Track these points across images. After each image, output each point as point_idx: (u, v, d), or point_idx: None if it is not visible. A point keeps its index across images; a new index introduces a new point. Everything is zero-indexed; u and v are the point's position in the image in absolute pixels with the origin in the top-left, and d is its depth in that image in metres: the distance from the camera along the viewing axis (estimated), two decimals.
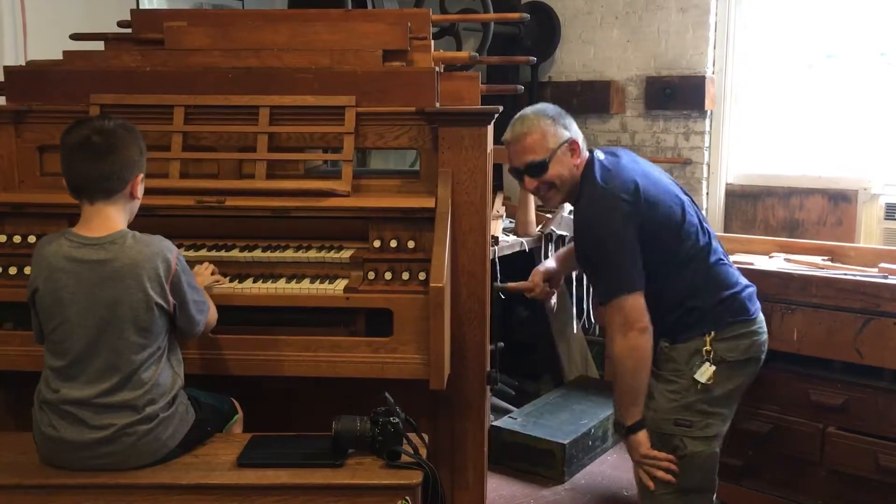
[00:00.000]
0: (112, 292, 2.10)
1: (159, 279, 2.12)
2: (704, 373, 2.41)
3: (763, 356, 2.55)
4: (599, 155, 2.51)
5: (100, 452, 2.12)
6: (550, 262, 2.89)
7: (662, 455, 2.42)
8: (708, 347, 2.42)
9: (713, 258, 2.50)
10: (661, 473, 2.42)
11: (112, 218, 2.16)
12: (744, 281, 2.56)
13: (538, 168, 2.46)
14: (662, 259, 2.42)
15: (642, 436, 2.45)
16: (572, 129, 2.50)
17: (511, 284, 2.94)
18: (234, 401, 2.50)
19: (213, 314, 2.34)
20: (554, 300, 2.92)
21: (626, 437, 2.48)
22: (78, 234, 2.15)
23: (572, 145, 2.47)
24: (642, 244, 2.38)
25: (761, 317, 2.55)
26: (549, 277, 2.83)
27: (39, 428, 2.16)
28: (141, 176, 2.22)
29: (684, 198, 2.53)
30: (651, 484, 2.44)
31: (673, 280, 2.43)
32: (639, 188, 2.41)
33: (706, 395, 2.42)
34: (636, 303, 2.37)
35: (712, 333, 2.43)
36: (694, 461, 2.42)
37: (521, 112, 2.55)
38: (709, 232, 2.54)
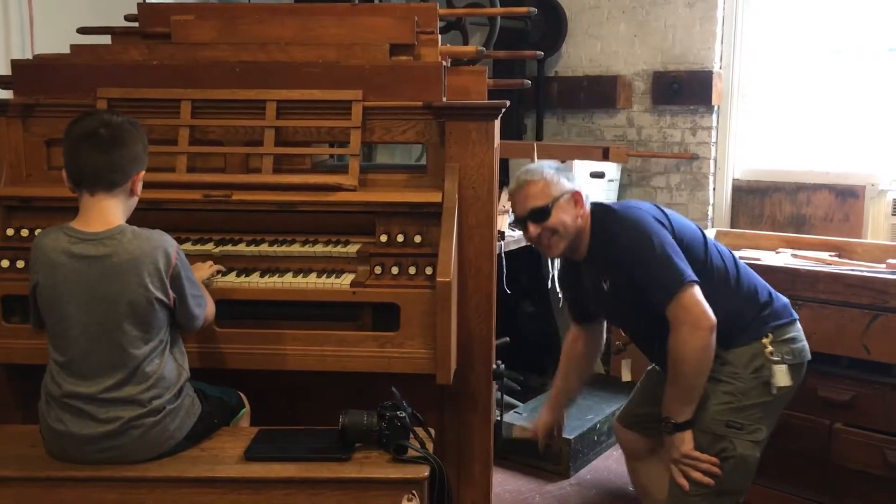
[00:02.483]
0: (112, 288, 2.10)
1: (159, 274, 2.12)
2: (781, 376, 2.42)
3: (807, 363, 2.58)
4: (601, 203, 2.60)
5: (107, 445, 2.13)
6: (545, 415, 2.91)
7: (704, 456, 2.41)
8: (770, 349, 2.43)
9: (740, 271, 2.55)
10: (697, 475, 2.41)
11: (111, 212, 2.16)
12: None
13: (541, 214, 2.48)
14: (699, 269, 2.42)
15: (688, 435, 2.43)
16: (574, 183, 2.54)
17: (518, 432, 3.15)
18: (242, 395, 2.50)
19: (210, 309, 2.34)
20: (557, 444, 3.06)
21: (671, 434, 2.45)
22: (76, 228, 2.14)
23: (575, 196, 2.51)
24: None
25: None
26: (553, 427, 2.91)
27: (46, 422, 2.17)
28: (142, 173, 2.22)
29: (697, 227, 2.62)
30: (685, 483, 2.43)
31: (715, 288, 2.43)
32: (661, 208, 2.50)
33: (770, 398, 2.43)
34: (697, 297, 2.34)
35: (770, 336, 2.45)
36: (740, 464, 2.42)
37: (524, 167, 2.62)
38: (730, 253, 2.62)
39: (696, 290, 2.35)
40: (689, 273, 2.36)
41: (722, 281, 2.50)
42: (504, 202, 3.82)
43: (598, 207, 2.59)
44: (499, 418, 3.61)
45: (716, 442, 2.42)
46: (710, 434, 2.43)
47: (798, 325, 2.56)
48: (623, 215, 2.50)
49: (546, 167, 2.56)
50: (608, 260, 2.50)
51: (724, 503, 2.47)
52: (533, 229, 2.50)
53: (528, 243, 2.66)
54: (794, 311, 2.58)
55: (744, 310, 2.48)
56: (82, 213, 2.17)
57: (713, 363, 2.41)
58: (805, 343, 2.55)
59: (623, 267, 2.45)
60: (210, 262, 2.48)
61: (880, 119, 3.99)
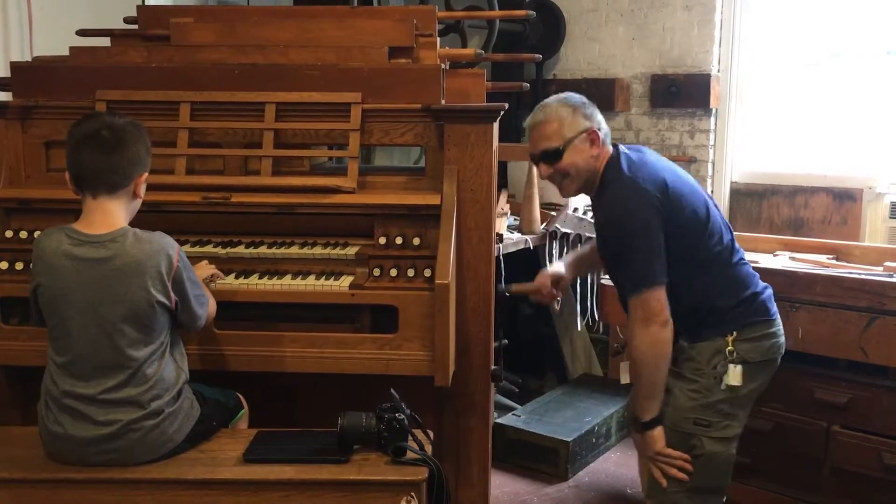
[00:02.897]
0: (113, 291, 2.10)
1: (161, 277, 2.12)
2: (733, 375, 2.40)
3: (780, 358, 2.54)
4: (624, 150, 2.49)
5: (106, 448, 2.13)
6: (559, 266, 2.86)
7: (677, 453, 2.41)
8: (731, 348, 2.41)
9: (735, 258, 2.50)
10: (674, 471, 2.41)
11: (113, 214, 2.16)
12: (762, 282, 2.56)
13: (552, 156, 2.43)
14: (685, 257, 2.40)
15: (658, 432, 2.43)
16: (594, 120, 2.45)
17: (516, 286, 2.92)
18: (240, 396, 2.50)
19: (212, 306, 2.34)
20: (558, 305, 2.90)
21: (641, 433, 2.46)
22: (78, 230, 2.14)
23: (591, 135, 2.43)
24: (667, 241, 2.37)
25: (779, 319, 2.54)
26: (557, 281, 2.81)
27: (45, 425, 2.17)
28: (145, 175, 2.22)
29: (707, 197, 2.53)
30: (664, 481, 2.43)
31: (695, 279, 2.42)
32: (667, 184, 2.39)
33: (728, 395, 2.41)
34: (659, 296, 2.34)
35: (734, 334, 2.42)
36: (711, 461, 2.41)
37: (546, 100, 2.52)
38: (731, 231, 2.55)
39: (659, 292, 2.34)
40: (658, 275, 2.34)
41: (710, 270, 2.44)
42: (502, 204, 3.83)
43: (615, 157, 2.46)
44: (497, 420, 3.62)
45: (685, 439, 2.42)
46: (679, 432, 2.42)
47: (774, 322, 2.50)
48: (627, 187, 2.39)
49: (565, 103, 2.45)
50: (601, 214, 2.50)
51: (705, 500, 2.46)
52: (544, 170, 2.46)
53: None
54: (773, 309, 2.51)
55: (720, 304, 2.44)
56: (85, 215, 2.17)
57: (679, 359, 2.42)
58: (777, 340, 2.50)
59: (608, 233, 2.46)
60: (206, 262, 2.48)
61: (878, 122, 3.99)
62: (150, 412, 2.13)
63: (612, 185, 2.42)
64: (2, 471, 2.14)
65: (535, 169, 2.63)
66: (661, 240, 2.36)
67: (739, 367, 2.40)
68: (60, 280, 2.11)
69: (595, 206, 2.57)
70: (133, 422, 2.12)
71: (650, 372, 2.39)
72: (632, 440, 2.89)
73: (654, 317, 2.34)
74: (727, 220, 2.60)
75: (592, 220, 2.82)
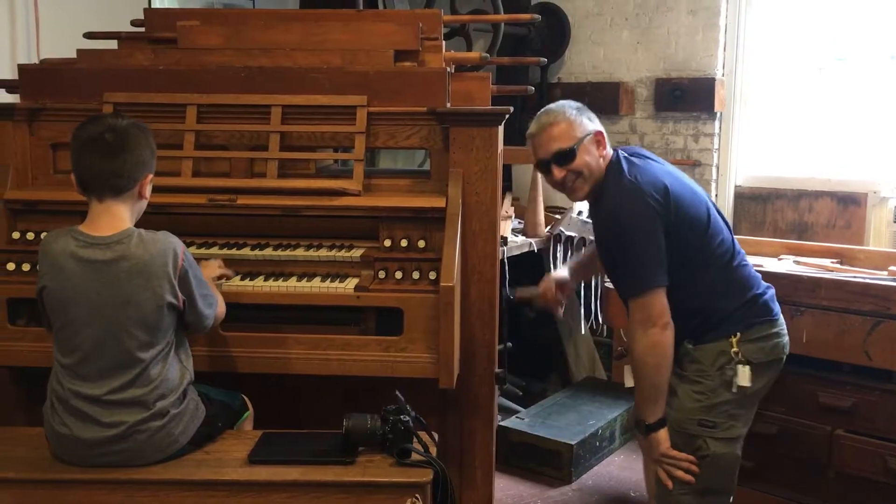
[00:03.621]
0: (120, 292, 2.10)
1: (168, 277, 2.13)
2: (742, 376, 2.40)
3: (784, 358, 2.54)
4: (624, 153, 2.50)
5: (112, 450, 2.13)
6: (563, 271, 2.87)
7: (682, 455, 2.41)
8: (735, 349, 2.41)
9: (736, 260, 2.50)
10: (680, 473, 2.41)
11: (119, 216, 2.17)
12: (764, 283, 2.56)
13: (566, 156, 2.42)
14: (687, 260, 2.40)
15: (662, 434, 2.43)
16: (596, 123, 2.48)
17: (520, 291, 2.92)
18: (245, 397, 2.51)
19: (221, 307, 2.34)
20: (561, 310, 2.91)
21: (645, 436, 2.46)
22: (84, 232, 2.15)
23: (598, 136, 2.45)
24: (668, 243, 2.37)
25: (782, 318, 2.54)
26: (561, 285, 2.82)
27: (51, 426, 2.17)
28: (150, 176, 2.22)
29: (708, 199, 2.53)
30: (669, 483, 2.43)
31: (697, 281, 2.42)
32: (668, 188, 2.39)
33: (734, 396, 2.41)
34: (659, 299, 2.34)
35: (738, 335, 2.42)
36: (716, 462, 2.41)
37: (545, 107, 2.53)
38: (732, 233, 2.55)
39: (659, 294, 2.34)
40: (658, 277, 2.34)
41: (712, 272, 2.44)
42: (507, 208, 3.83)
43: (616, 159, 2.47)
44: (501, 423, 3.62)
45: (690, 441, 2.42)
46: (684, 433, 2.42)
47: (777, 322, 2.50)
48: (627, 190, 2.39)
49: (568, 107, 2.47)
50: (600, 217, 2.48)
51: (713, 502, 2.46)
52: (557, 172, 2.44)
53: (550, 185, 2.55)
54: (776, 309, 2.52)
55: (724, 304, 2.44)
56: (91, 217, 2.18)
57: (682, 361, 2.42)
58: (781, 340, 2.50)
59: (608, 235, 2.44)
60: (220, 262, 2.49)
61: (882, 126, 3.99)
62: (155, 413, 2.14)
63: (613, 188, 2.43)
64: (8, 471, 2.15)
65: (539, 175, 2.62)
66: (662, 242, 2.36)
67: (747, 368, 2.41)
68: (67, 282, 2.12)
69: (593, 211, 2.57)
70: (139, 423, 2.12)
71: (651, 374, 2.39)
72: (636, 443, 2.89)
73: (655, 319, 2.34)
74: (729, 223, 2.60)
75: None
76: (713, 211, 2.49)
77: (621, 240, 2.39)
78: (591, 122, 2.46)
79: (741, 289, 2.47)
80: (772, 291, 2.55)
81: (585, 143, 2.42)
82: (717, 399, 2.41)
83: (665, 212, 2.37)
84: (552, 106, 2.52)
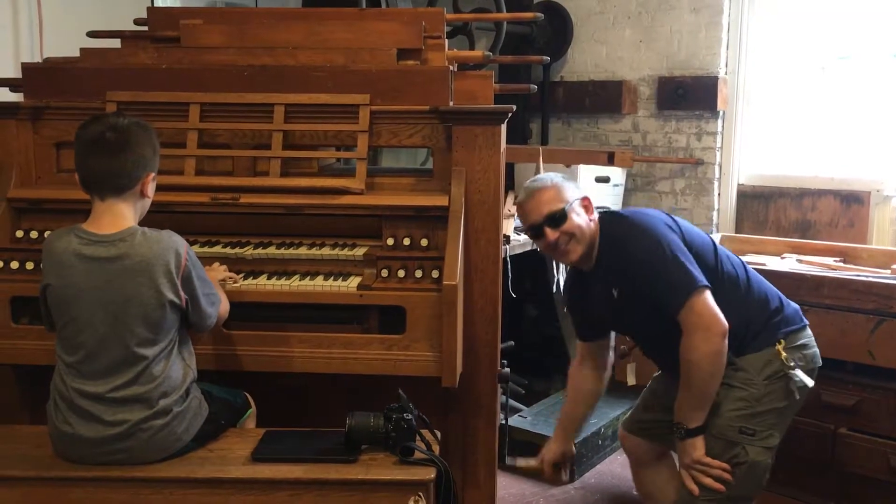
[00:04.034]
0: (123, 290, 2.11)
1: (170, 275, 2.13)
2: (803, 377, 2.44)
3: (818, 370, 2.57)
4: (611, 210, 2.59)
5: (115, 448, 2.13)
6: (556, 444, 2.84)
7: (716, 463, 2.41)
8: (785, 355, 2.44)
9: (751, 275, 2.56)
10: (708, 481, 2.41)
11: (122, 215, 2.17)
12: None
13: (558, 218, 2.47)
14: (710, 276, 2.42)
15: (699, 441, 2.43)
16: (582, 190, 2.59)
17: (521, 462, 2.97)
18: (248, 395, 2.51)
19: (224, 306, 2.35)
20: (566, 475, 2.93)
21: (682, 440, 2.45)
22: (88, 230, 2.15)
23: (585, 202, 2.54)
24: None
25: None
26: (560, 461, 2.84)
27: (55, 424, 2.18)
28: (152, 175, 2.22)
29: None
30: (696, 489, 2.43)
31: (726, 294, 2.43)
32: (670, 215, 2.50)
33: (776, 405, 2.43)
34: (709, 302, 2.34)
35: (783, 342, 2.45)
36: (752, 470, 2.42)
37: (531, 178, 2.65)
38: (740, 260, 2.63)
39: (708, 296, 2.35)
40: (701, 278, 2.36)
41: (733, 288, 2.50)
42: (509, 206, 3.83)
43: (606, 215, 2.59)
44: (503, 422, 3.62)
45: (728, 448, 2.42)
46: (723, 440, 2.43)
47: (808, 330, 2.56)
48: (634, 221, 2.50)
49: (553, 176, 2.59)
50: (619, 266, 2.48)
51: None
52: (551, 234, 2.49)
53: (542, 251, 2.62)
54: (804, 317, 2.58)
55: (755, 316, 2.48)
56: (94, 216, 2.18)
57: (726, 369, 2.41)
58: (816, 349, 2.55)
59: (634, 273, 2.44)
60: (224, 267, 2.49)
61: (885, 125, 3.99)
62: (158, 411, 2.14)
63: (618, 232, 2.50)
64: (12, 469, 2.15)
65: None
66: (685, 249, 2.41)
67: (800, 371, 2.45)
68: (70, 280, 2.12)
69: (601, 272, 2.55)
70: (142, 421, 2.13)
71: (706, 382, 2.38)
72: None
73: (713, 326, 2.33)
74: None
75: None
76: (714, 240, 2.60)
77: (648, 264, 2.40)
78: (577, 189, 2.56)
79: (766, 300, 2.53)
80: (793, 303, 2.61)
81: (575, 205, 2.50)
82: (761, 407, 2.42)
83: (678, 229, 2.47)
84: (538, 175, 2.66)
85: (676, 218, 2.57)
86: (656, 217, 2.51)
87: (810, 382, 2.47)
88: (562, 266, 3.83)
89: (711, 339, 2.34)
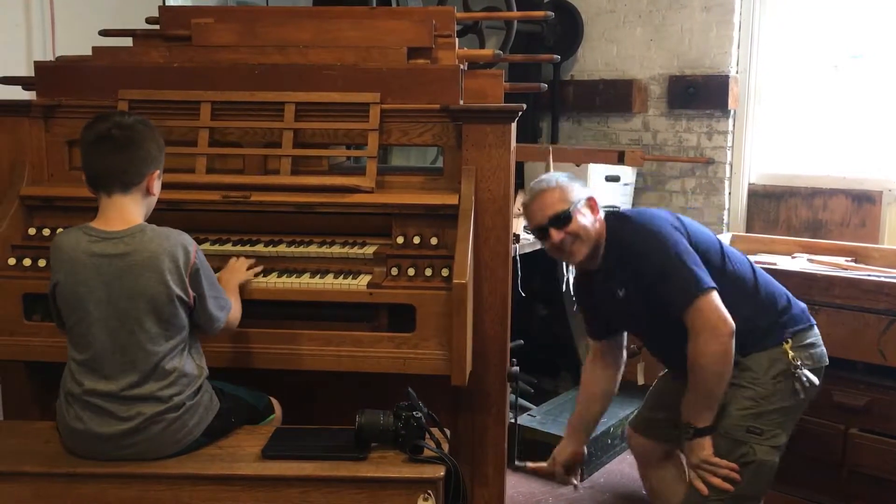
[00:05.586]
0: (132, 285, 2.12)
1: (178, 271, 2.14)
2: (810, 376, 2.44)
3: (825, 369, 2.57)
4: (616, 210, 2.59)
5: (127, 443, 2.14)
6: (567, 446, 2.82)
7: (723, 462, 2.41)
8: (792, 354, 2.44)
9: (758, 274, 2.56)
10: (717, 480, 2.40)
11: (129, 211, 2.18)
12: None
13: (563, 219, 2.47)
14: (717, 275, 2.42)
15: (707, 441, 2.43)
16: (588, 189, 2.57)
17: (533, 465, 2.93)
18: (274, 400, 2.51)
19: (236, 313, 2.34)
20: (577, 480, 2.90)
21: (691, 440, 2.45)
22: (96, 228, 2.17)
23: (590, 202, 2.53)
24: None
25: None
26: (570, 463, 2.82)
27: (65, 421, 2.18)
28: (158, 172, 2.23)
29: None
30: (704, 488, 2.43)
31: (733, 294, 2.42)
32: (677, 216, 2.49)
33: (783, 404, 2.43)
34: (716, 303, 2.34)
35: (790, 341, 2.46)
36: (760, 469, 2.42)
37: (536, 178, 2.63)
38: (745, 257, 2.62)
39: (715, 296, 2.35)
40: (707, 279, 2.36)
41: (740, 287, 2.49)
42: (519, 205, 3.84)
43: (612, 215, 2.59)
44: (513, 420, 3.62)
45: (736, 447, 2.42)
46: (731, 439, 2.42)
47: (816, 330, 2.55)
48: (639, 222, 2.50)
49: (559, 176, 2.58)
50: (624, 267, 2.48)
51: None
52: (555, 235, 2.49)
53: (548, 252, 2.61)
54: (811, 317, 2.57)
55: (762, 315, 2.49)
56: (101, 213, 2.20)
57: (734, 369, 2.41)
58: (823, 348, 2.55)
59: (640, 274, 2.44)
60: (243, 259, 2.49)
61: None
62: (171, 406, 2.15)
63: (624, 233, 2.49)
64: (22, 464, 2.17)
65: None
66: (692, 250, 2.41)
67: (807, 369, 2.45)
68: (80, 277, 2.13)
69: (606, 272, 2.55)
70: (155, 415, 2.13)
71: (714, 382, 2.39)
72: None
73: (721, 326, 2.33)
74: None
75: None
76: (721, 240, 2.59)
77: (654, 265, 2.40)
78: (583, 189, 2.54)
79: (773, 299, 2.52)
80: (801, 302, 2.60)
81: (580, 206, 2.49)
82: (768, 406, 2.42)
83: (684, 230, 2.46)
84: (543, 176, 2.62)
85: (682, 218, 2.57)
86: (662, 217, 2.51)
87: (816, 381, 2.46)
88: (571, 265, 3.82)
89: (719, 340, 2.34)
